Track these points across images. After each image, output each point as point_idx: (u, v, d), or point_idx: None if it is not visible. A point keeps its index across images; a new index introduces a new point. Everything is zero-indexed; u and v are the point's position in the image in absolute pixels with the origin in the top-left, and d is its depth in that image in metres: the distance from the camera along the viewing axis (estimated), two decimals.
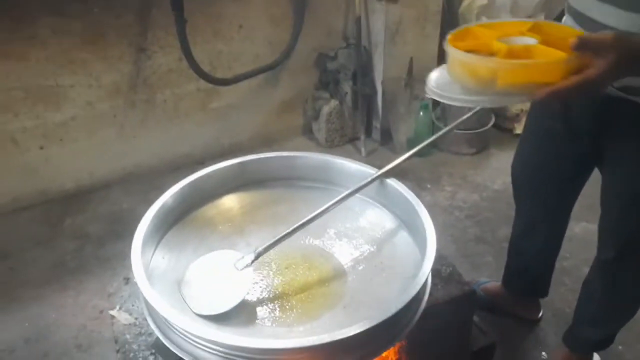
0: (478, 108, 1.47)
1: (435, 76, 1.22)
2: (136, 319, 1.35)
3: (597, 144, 1.42)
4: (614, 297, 1.58)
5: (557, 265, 1.85)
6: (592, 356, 1.76)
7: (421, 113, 2.92)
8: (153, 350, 1.25)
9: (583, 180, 1.62)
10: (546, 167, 1.61)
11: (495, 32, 1.16)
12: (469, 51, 1.10)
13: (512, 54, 1.07)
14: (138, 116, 2.74)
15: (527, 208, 1.75)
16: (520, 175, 1.72)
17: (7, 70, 2.36)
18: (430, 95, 1.19)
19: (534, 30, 1.15)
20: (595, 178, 1.53)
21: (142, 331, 1.31)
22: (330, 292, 1.27)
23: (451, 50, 1.12)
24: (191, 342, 1.08)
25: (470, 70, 1.08)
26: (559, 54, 1.03)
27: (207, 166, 1.44)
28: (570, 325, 1.72)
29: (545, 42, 1.09)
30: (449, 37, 1.15)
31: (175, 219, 1.40)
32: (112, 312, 1.37)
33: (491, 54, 1.10)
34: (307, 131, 3.24)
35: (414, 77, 2.95)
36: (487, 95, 1.09)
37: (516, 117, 3.16)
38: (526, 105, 3.10)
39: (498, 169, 2.90)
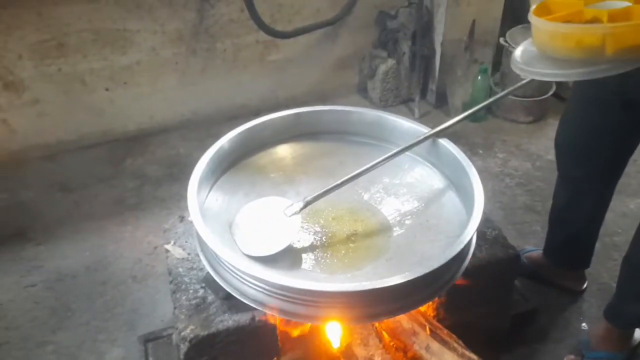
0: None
1: (519, 52, 1.18)
2: (189, 254, 1.43)
3: None
4: None
5: (608, 240, 1.82)
6: (633, 332, 1.74)
7: (479, 77, 2.86)
8: (203, 284, 1.32)
9: (631, 150, 1.58)
10: (595, 136, 1.57)
11: (580, 0, 1.09)
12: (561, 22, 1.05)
13: (614, 18, 1.01)
14: (198, 64, 2.80)
15: (572, 178, 1.71)
16: (565, 144, 1.68)
17: (79, 12, 2.45)
18: (521, 74, 1.14)
19: None
20: None
21: (194, 266, 1.39)
22: (374, 245, 1.31)
23: (543, 23, 1.07)
24: (239, 278, 1.15)
25: (574, 40, 1.02)
26: None
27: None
28: (611, 300, 1.70)
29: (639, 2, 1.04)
30: (532, 10, 1.10)
31: (229, 164, 1.46)
32: (167, 246, 1.45)
33: (585, 22, 1.05)
34: (362, 90, 3.23)
35: (475, 40, 2.88)
36: (595, 66, 1.02)
37: None
38: None
39: (554, 139, 2.81)
